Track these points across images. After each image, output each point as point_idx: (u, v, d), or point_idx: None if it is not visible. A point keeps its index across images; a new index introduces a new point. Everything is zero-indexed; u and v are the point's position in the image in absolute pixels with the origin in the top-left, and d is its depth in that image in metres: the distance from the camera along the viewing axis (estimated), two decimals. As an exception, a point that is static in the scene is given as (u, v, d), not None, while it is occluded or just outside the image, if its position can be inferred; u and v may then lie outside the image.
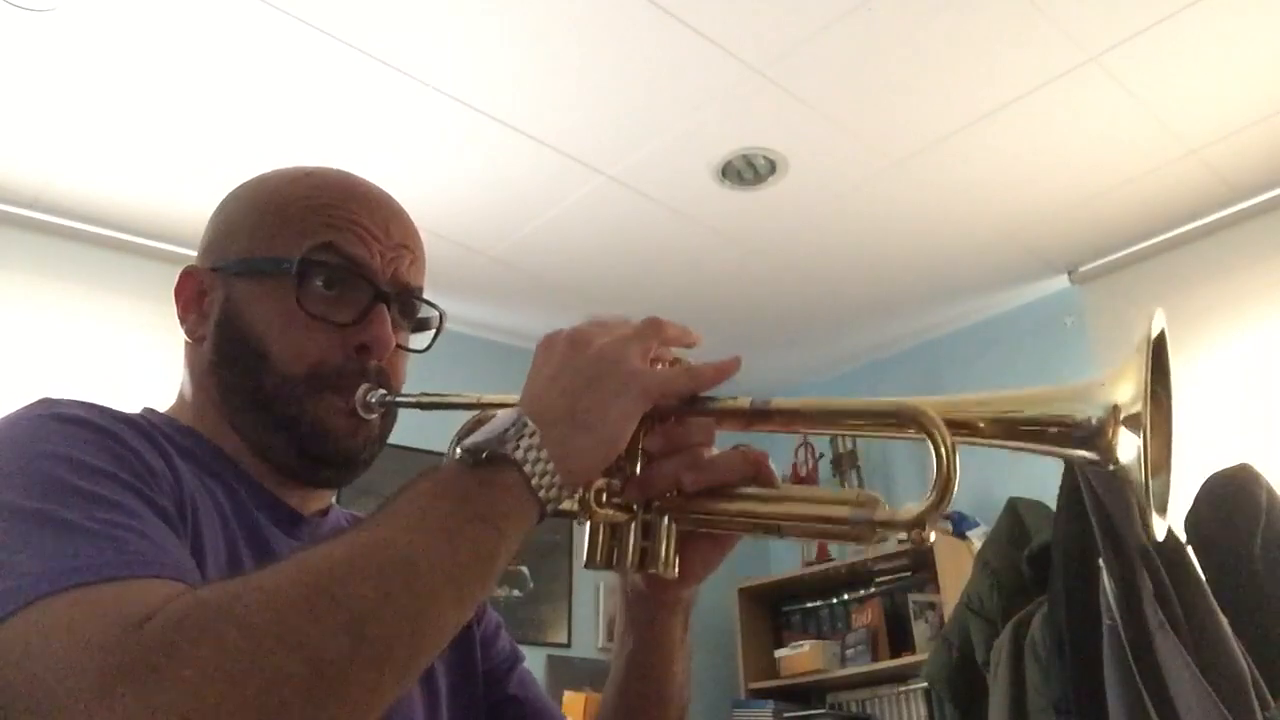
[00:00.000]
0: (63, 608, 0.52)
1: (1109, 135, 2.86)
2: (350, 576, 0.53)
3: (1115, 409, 0.62)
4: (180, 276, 0.85)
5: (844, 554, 3.91)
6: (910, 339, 4.10)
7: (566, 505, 0.72)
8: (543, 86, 2.64)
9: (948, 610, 3.04)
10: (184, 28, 2.37)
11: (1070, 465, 2.05)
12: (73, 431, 0.65)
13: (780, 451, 4.11)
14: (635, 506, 0.74)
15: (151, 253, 3.18)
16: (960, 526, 3.45)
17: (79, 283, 3.08)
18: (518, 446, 0.62)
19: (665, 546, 0.74)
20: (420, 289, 0.87)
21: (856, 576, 3.75)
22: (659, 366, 0.72)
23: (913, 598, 3.52)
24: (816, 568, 3.81)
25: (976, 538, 3.35)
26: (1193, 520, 2.02)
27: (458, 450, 0.63)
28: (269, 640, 0.50)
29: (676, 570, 0.75)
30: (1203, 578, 1.86)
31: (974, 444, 0.66)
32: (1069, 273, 3.60)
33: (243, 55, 2.47)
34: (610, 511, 0.74)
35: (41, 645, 0.51)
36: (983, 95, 2.70)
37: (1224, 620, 1.78)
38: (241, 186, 0.88)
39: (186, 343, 0.85)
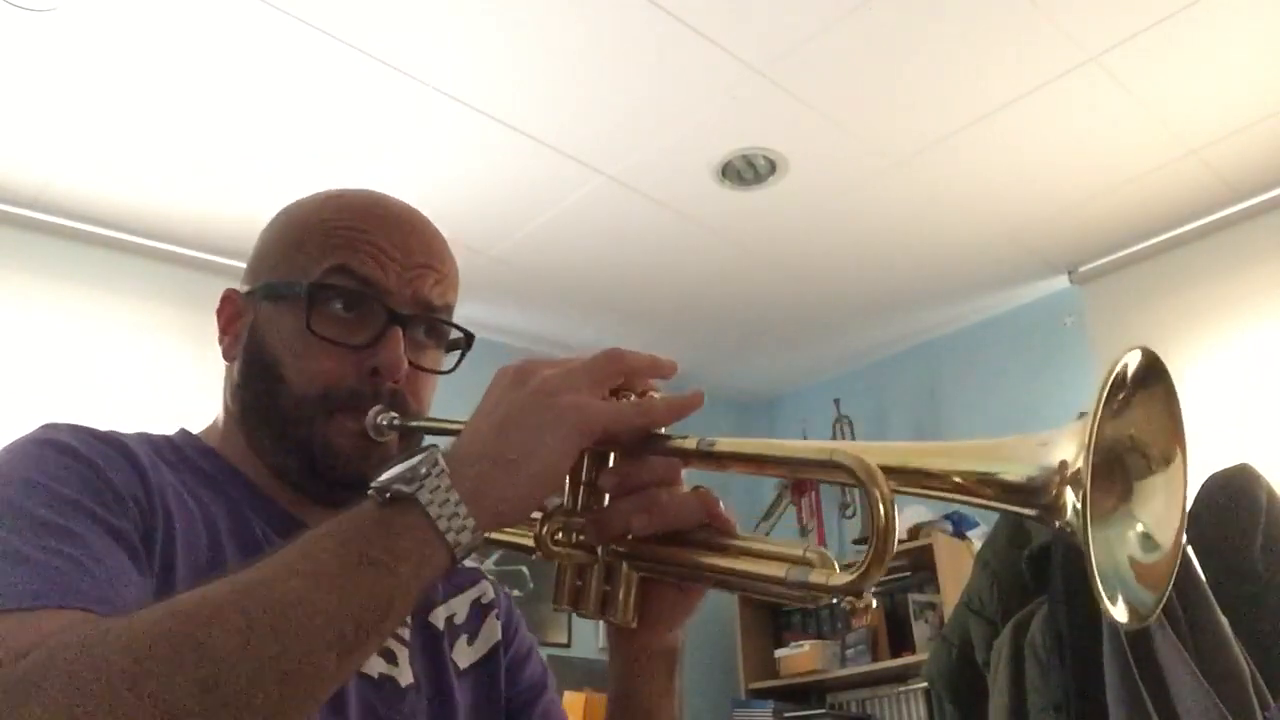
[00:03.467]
0: None
1: (1109, 135, 2.86)
2: (214, 621, 0.53)
3: (1062, 465, 0.58)
4: (221, 299, 0.88)
5: (844, 553, 3.91)
6: (910, 339, 4.10)
7: (525, 541, 0.71)
8: (543, 86, 2.64)
9: (948, 610, 3.04)
10: (184, 28, 2.37)
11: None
12: (53, 458, 0.67)
13: (780, 451, 4.10)
14: (594, 546, 0.71)
15: (151, 253, 3.18)
16: (960, 526, 3.45)
17: (79, 283, 3.08)
18: (422, 486, 0.59)
19: (623, 592, 0.71)
20: (447, 307, 0.86)
21: (856, 576, 3.75)
22: (627, 399, 0.68)
23: (913, 598, 3.52)
24: (816, 568, 3.80)
25: (976, 538, 3.35)
26: (1192, 520, 2.02)
27: (369, 489, 0.61)
28: (121, 685, 0.50)
29: (634, 619, 0.72)
30: (1203, 577, 1.86)
31: (912, 495, 0.63)
32: (1069, 273, 3.60)
33: (243, 55, 2.47)
34: (569, 551, 0.71)
35: None
36: (983, 95, 2.70)
37: (1224, 620, 1.78)
38: (279, 212, 0.90)
39: (226, 364, 0.87)
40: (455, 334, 0.89)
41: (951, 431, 3.91)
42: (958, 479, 0.62)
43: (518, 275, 3.54)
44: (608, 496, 0.70)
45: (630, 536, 0.70)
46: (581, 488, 0.71)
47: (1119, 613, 0.58)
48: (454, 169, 2.94)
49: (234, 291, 0.88)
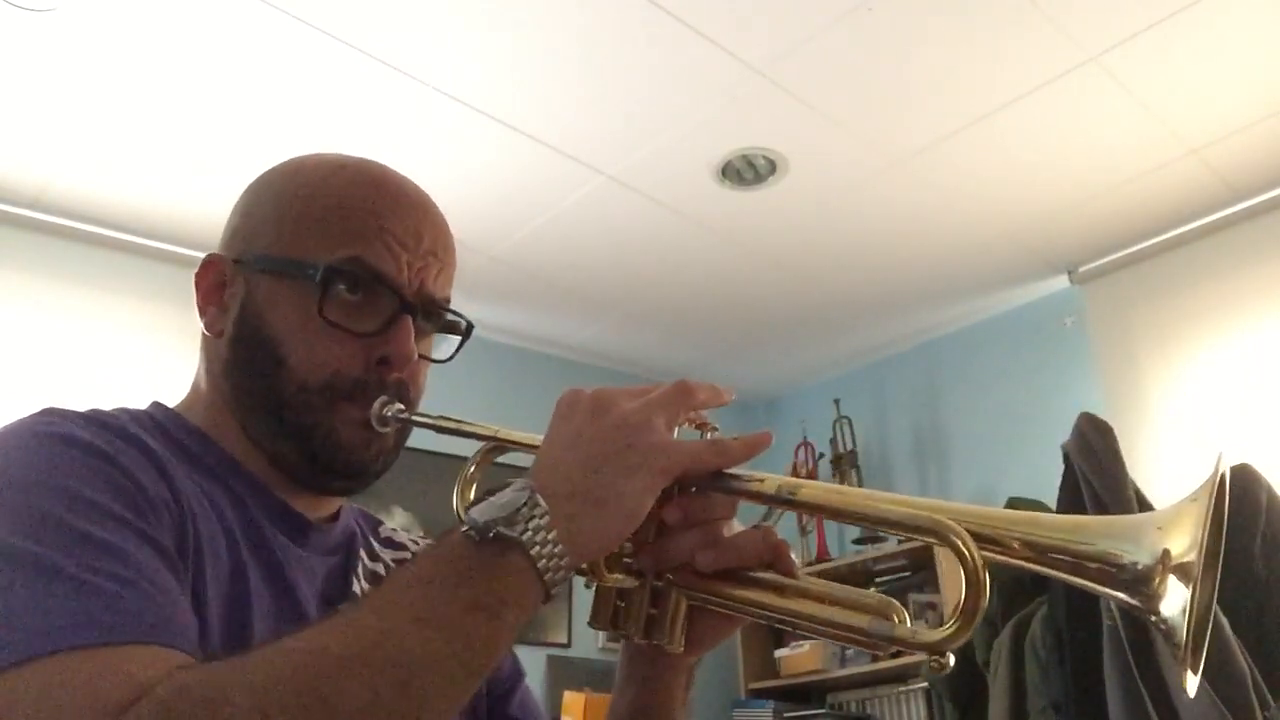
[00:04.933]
0: (44, 677, 0.51)
1: (1109, 135, 2.86)
2: (340, 676, 0.52)
3: (1165, 555, 0.57)
4: (201, 264, 0.82)
5: (844, 553, 3.91)
6: (910, 339, 4.10)
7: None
8: (543, 86, 2.64)
9: (948, 610, 3.04)
10: (184, 28, 2.37)
11: (1069, 464, 2.05)
12: (72, 457, 0.63)
13: (781, 449, 4.11)
14: (646, 573, 0.72)
15: (151, 253, 3.18)
16: (960, 526, 3.45)
17: (79, 283, 3.08)
18: (526, 528, 0.59)
19: (672, 619, 0.71)
20: (447, 299, 0.84)
21: (856, 576, 3.75)
22: (687, 427, 0.69)
23: (913, 598, 3.52)
24: (816, 567, 3.81)
25: (976, 538, 3.35)
26: (1192, 520, 2.01)
27: (464, 522, 0.60)
28: None
29: (682, 644, 0.73)
30: (1203, 578, 1.86)
31: (1006, 563, 0.63)
32: (1069, 273, 3.60)
33: (243, 55, 2.47)
34: (620, 576, 0.72)
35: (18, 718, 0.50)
36: (983, 95, 2.70)
37: (1224, 620, 1.78)
38: (271, 174, 0.84)
39: (204, 335, 0.82)
40: (450, 319, 0.86)
41: (951, 432, 3.91)
42: (1056, 553, 0.61)
43: (518, 275, 3.54)
44: (655, 527, 0.70)
45: (690, 569, 0.70)
46: (651, 518, 0.70)
47: (1191, 687, 0.58)
48: (454, 169, 2.94)
49: (218, 258, 0.82)
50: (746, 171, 3.01)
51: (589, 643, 3.73)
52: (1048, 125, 2.81)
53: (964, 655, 2.38)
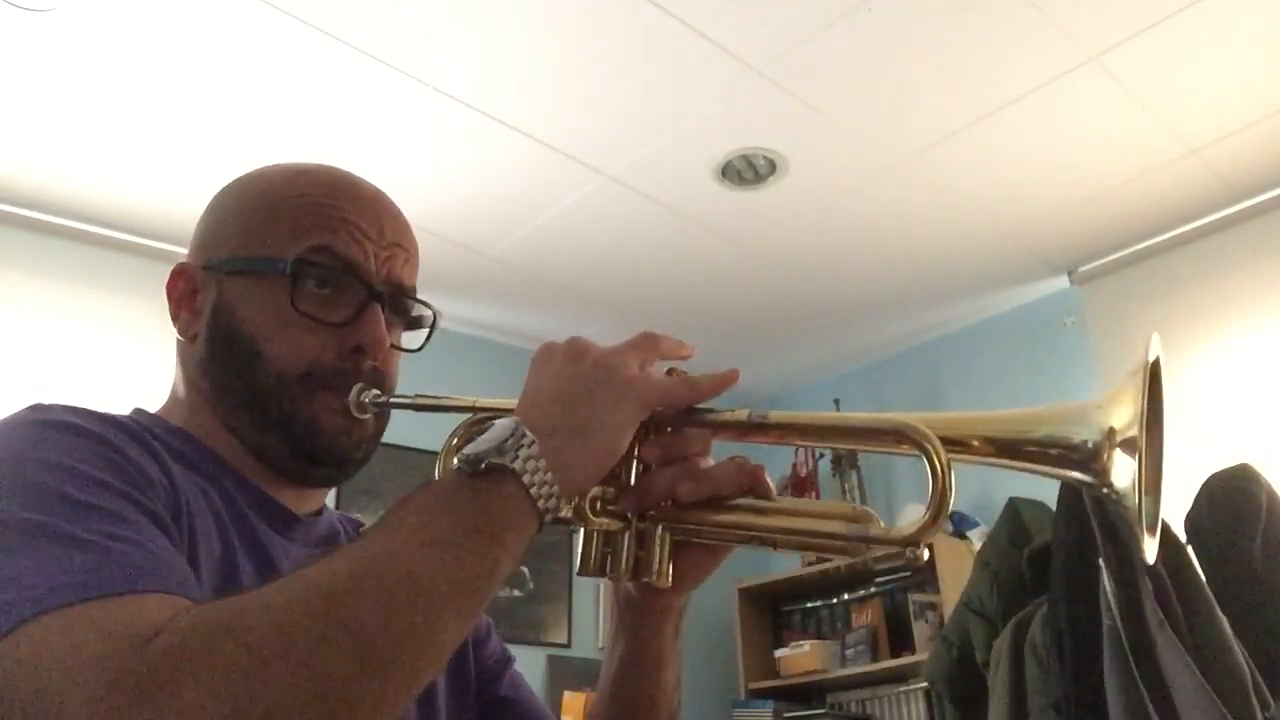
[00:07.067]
0: (65, 624, 0.52)
1: (1109, 135, 2.86)
2: (354, 595, 0.53)
3: (1111, 432, 0.63)
4: (171, 274, 0.85)
5: (844, 554, 3.91)
6: (910, 339, 4.10)
7: (562, 513, 0.72)
8: (543, 86, 2.64)
9: (948, 610, 3.04)
10: (184, 28, 2.37)
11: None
12: (67, 439, 0.65)
13: (781, 451, 4.11)
14: (630, 515, 0.74)
15: (151, 252, 3.18)
16: (960, 526, 3.45)
17: (77, 283, 3.08)
18: (516, 456, 0.62)
19: (659, 556, 0.74)
20: (413, 287, 0.87)
21: (856, 576, 3.76)
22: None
23: (913, 598, 3.52)
24: (816, 567, 3.81)
25: (976, 538, 3.35)
26: (1193, 520, 2.02)
27: (456, 460, 0.63)
28: (275, 660, 0.50)
29: (670, 579, 0.75)
30: (1203, 578, 1.87)
31: (969, 461, 0.67)
32: (1069, 273, 3.60)
33: (243, 55, 2.47)
34: (605, 520, 0.74)
35: (45, 663, 0.50)
36: (983, 95, 2.70)
37: (1224, 620, 1.78)
38: (234, 182, 0.88)
39: (179, 340, 0.85)
40: (417, 313, 0.89)
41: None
42: (1014, 444, 0.67)
43: (518, 275, 3.54)
44: (635, 467, 0.74)
45: (672, 503, 0.74)
46: (630, 459, 0.74)
47: (1150, 553, 0.64)
48: (454, 169, 2.94)
49: (188, 265, 0.85)
50: (746, 171, 3.01)
51: (589, 643, 3.73)
52: (1048, 125, 2.81)
53: (964, 655, 2.38)
